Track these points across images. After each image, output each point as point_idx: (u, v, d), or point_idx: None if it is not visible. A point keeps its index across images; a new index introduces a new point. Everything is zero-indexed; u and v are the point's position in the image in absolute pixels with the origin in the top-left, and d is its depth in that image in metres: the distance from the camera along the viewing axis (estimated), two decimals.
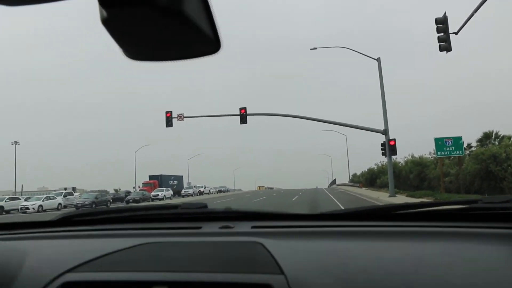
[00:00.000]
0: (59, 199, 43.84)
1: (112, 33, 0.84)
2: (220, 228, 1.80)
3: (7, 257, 1.43)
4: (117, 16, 0.79)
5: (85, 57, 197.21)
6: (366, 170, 76.56)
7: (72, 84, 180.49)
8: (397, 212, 1.85)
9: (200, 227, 1.84)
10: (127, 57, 0.92)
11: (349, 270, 1.28)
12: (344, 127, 33.73)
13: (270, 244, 1.48)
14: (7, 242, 1.60)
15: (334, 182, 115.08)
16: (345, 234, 1.63)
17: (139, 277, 1.32)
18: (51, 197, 44.21)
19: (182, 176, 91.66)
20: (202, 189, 78.44)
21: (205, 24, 0.87)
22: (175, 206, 2.23)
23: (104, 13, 0.79)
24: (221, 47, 0.93)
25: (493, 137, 37.93)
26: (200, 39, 0.88)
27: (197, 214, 2.07)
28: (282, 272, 1.25)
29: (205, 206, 2.15)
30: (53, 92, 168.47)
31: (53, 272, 1.36)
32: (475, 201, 1.76)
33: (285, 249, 1.44)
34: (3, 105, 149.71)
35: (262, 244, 1.48)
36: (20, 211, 39.74)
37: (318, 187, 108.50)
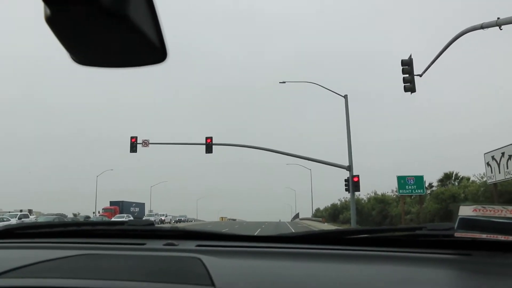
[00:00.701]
0: (13, 221, 42.10)
1: (56, 32, 0.81)
2: (164, 245, 1.77)
3: None
4: (61, 14, 0.78)
5: (37, 71, 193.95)
6: (330, 205, 77.15)
7: (21, 113, 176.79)
8: (348, 236, 1.86)
9: (144, 244, 1.80)
10: (73, 62, 0.90)
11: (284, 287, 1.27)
12: (310, 161, 33.94)
13: (209, 260, 1.46)
14: None
15: (297, 216, 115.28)
16: (290, 255, 1.63)
17: (66, 284, 1.23)
18: (5, 219, 42.11)
19: (144, 203, 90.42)
20: (163, 217, 77.14)
21: (151, 31, 0.85)
22: (121, 223, 2.18)
23: (48, 11, 0.78)
24: (167, 57, 0.91)
25: (453, 178, 38.98)
26: (145, 46, 0.86)
27: (143, 231, 2.02)
28: (212, 284, 1.22)
29: (152, 224, 2.15)
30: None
31: None
32: (420, 228, 1.80)
33: (223, 265, 1.45)
34: None
35: (200, 260, 1.46)
36: None
37: (281, 220, 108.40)
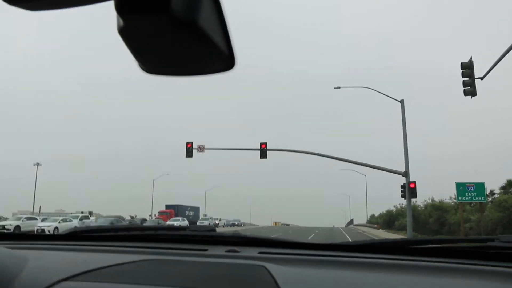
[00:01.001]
0: (75, 222, 43.76)
1: (128, 43, 0.83)
2: (227, 251, 1.77)
3: (8, 262, 1.40)
4: (133, 25, 0.80)
5: (103, 76, 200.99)
6: (385, 211, 75.73)
7: (90, 105, 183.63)
8: (413, 246, 1.81)
9: (206, 250, 1.82)
10: (142, 71, 0.92)
11: None
12: (364, 167, 33.48)
13: (274, 268, 1.45)
14: (12, 250, 1.57)
15: (351, 222, 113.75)
16: (354, 265, 1.60)
17: None
18: (67, 220, 43.93)
19: (198, 207, 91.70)
20: (217, 221, 78.07)
21: (220, 39, 0.86)
22: (183, 228, 2.25)
23: (121, 22, 0.79)
24: (235, 64, 0.92)
25: None
26: (214, 54, 0.88)
27: (204, 237, 2.04)
28: None
29: (214, 229, 2.15)
30: (74, 114, 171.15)
31: (48, 279, 1.34)
32: (492, 239, 1.72)
33: (288, 274, 1.42)
34: (25, 125, 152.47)
35: (265, 268, 1.45)
36: (36, 232, 39.82)
37: (335, 226, 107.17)
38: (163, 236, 2.19)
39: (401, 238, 1.94)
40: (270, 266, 1.47)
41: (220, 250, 1.80)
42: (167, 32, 0.81)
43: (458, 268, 1.52)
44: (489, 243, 1.70)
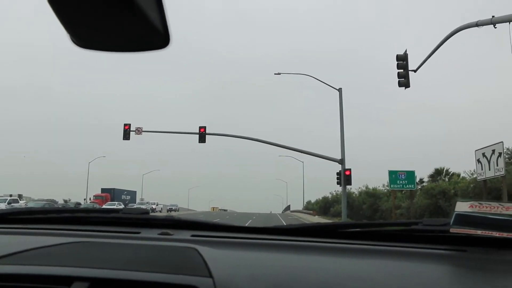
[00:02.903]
0: (2, 206, 41.81)
1: (57, 13, 0.80)
2: (159, 234, 1.76)
3: None
4: None
5: (37, 56, 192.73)
6: (321, 198, 77.56)
7: (21, 97, 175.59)
8: (343, 230, 1.86)
9: (139, 232, 1.80)
10: (74, 44, 0.89)
11: (282, 280, 1.26)
12: (302, 154, 34.04)
13: (205, 250, 1.47)
14: None
15: (288, 208, 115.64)
16: (285, 247, 1.63)
17: (60, 272, 1.24)
18: None
19: (135, 191, 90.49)
20: (154, 206, 77.17)
21: (155, 15, 0.84)
22: (116, 211, 2.19)
23: None
24: (170, 42, 0.91)
25: (443, 174, 39.30)
26: (149, 30, 0.86)
27: (137, 220, 2.01)
28: (210, 276, 1.22)
29: (147, 212, 2.14)
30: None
31: None
32: (416, 223, 1.82)
33: (219, 256, 1.44)
34: None
35: (197, 250, 1.46)
36: None
37: (272, 212, 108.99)
38: (94, 218, 2.14)
39: (332, 222, 1.97)
40: (201, 249, 1.48)
41: (153, 233, 1.79)
42: (99, 5, 0.80)
43: (385, 250, 1.59)
44: (413, 227, 1.79)
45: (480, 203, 1.63)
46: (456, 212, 1.62)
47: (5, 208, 41.03)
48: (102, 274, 1.22)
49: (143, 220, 2.01)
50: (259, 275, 1.29)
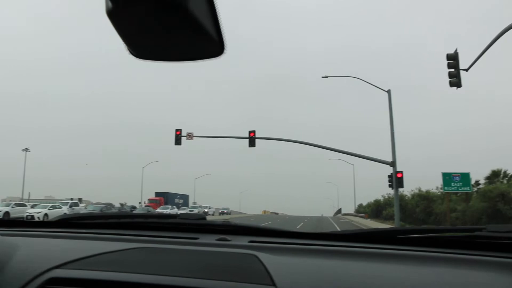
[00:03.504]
0: (65, 209, 43.63)
1: (116, 26, 0.85)
2: (217, 240, 1.77)
3: None
4: (123, 7, 0.81)
5: (94, 70, 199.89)
6: (373, 201, 76.12)
7: (79, 104, 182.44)
8: (401, 236, 1.82)
9: (197, 238, 1.81)
10: (131, 55, 0.93)
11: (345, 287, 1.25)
12: (352, 156, 33.67)
13: (265, 257, 1.45)
14: (1, 236, 1.59)
15: (339, 211, 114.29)
16: (344, 254, 1.61)
17: (126, 278, 1.28)
18: (57, 206, 43.71)
19: (188, 195, 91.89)
20: (206, 210, 78.17)
21: (209, 23, 0.87)
22: (174, 216, 2.24)
23: (110, 5, 0.80)
24: (224, 50, 0.94)
25: (501, 175, 37.70)
26: (204, 39, 0.89)
27: (195, 225, 2.04)
28: (273, 284, 1.22)
29: (204, 218, 2.17)
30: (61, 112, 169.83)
31: (40, 267, 1.36)
32: (480, 229, 1.74)
33: (280, 263, 1.42)
34: (15, 115, 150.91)
35: (257, 257, 1.46)
36: (25, 219, 39.56)
37: (324, 215, 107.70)
38: (153, 224, 2.20)
39: (390, 228, 1.91)
40: (261, 255, 1.47)
41: (211, 238, 1.80)
42: (156, 16, 0.83)
43: (447, 257, 1.53)
44: (476, 233, 1.71)
45: None
46: None
47: (67, 210, 43.08)
48: (164, 281, 1.26)
49: (200, 225, 2.03)
50: (322, 283, 1.28)
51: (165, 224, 2.15)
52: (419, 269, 1.43)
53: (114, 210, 47.65)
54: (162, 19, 0.83)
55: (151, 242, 1.76)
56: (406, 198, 49.96)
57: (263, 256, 1.47)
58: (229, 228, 1.97)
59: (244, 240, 1.77)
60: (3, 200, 60.04)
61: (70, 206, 45.97)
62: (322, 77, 32.35)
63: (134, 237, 1.87)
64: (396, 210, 30.15)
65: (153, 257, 1.53)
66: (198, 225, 2.04)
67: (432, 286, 1.29)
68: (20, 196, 70.84)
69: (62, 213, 42.40)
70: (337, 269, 1.42)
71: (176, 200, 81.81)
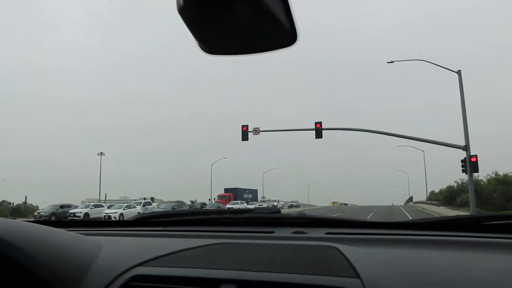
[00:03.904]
0: (138, 208, 45.13)
1: (188, 22, 0.85)
2: (293, 233, 1.76)
3: (84, 248, 1.47)
4: (193, 3, 0.81)
5: (163, 73, 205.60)
6: (445, 187, 73.74)
7: (148, 104, 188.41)
8: (487, 222, 1.74)
9: (273, 232, 1.81)
10: (203, 51, 0.93)
11: (430, 279, 1.19)
12: (422, 142, 32.80)
13: (345, 249, 1.42)
14: (86, 236, 1.64)
15: (410, 199, 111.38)
16: (426, 243, 1.55)
17: (208, 274, 1.29)
18: (132, 206, 45.59)
19: (256, 189, 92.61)
20: (275, 203, 78.55)
21: (281, 12, 0.86)
22: (248, 211, 2.25)
23: (181, 2, 0.81)
24: (297, 39, 0.92)
25: None
26: (276, 29, 0.88)
27: (270, 219, 2.04)
28: (358, 276, 1.19)
29: (279, 211, 2.16)
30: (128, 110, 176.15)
31: (125, 265, 1.39)
32: None
33: (361, 255, 1.38)
34: (90, 120, 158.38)
35: (337, 249, 1.43)
36: (103, 219, 41.43)
37: (394, 204, 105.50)
38: (228, 219, 2.21)
39: (471, 214, 1.84)
40: (341, 247, 1.44)
41: (287, 232, 1.79)
42: (227, 9, 0.83)
43: None
44: None
45: None
46: None
47: (141, 210, 44.80)
48: (248, 276, 1.25)
49: (275, 219, 2.02)
50: (408, 274, 1.23)
51: (240, 219, 2.17)
52: (508, 256, 1.37)
53: (185, 208, 48.99)
54: (232, 11, 0.83)
55: (228, 237, 1.76)
56: (482, 183, 47.97)
57: (344, 248, 1.42)
58: (305, 221, 1.96)
59: (321, 232, 1.74)
60: (83, 202, 63.69)
61: (144, 206, 47.80)
62: (388, 62, 31.75)
63: (211, 233, 1.88)
64: (471, 196, 29.07)
65: (231, 252, 1.53)
66: (273, 218, 2.04)
67: None
68: (97, 197, 74.61)
69: (136, 213, 44.00)
70: (422, 259, 1.37)
71: (245, 195, 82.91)
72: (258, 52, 0.94)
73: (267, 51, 0.94)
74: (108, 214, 41.34)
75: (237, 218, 2.20)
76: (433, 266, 1.29)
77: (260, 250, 1.53)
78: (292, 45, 0.93)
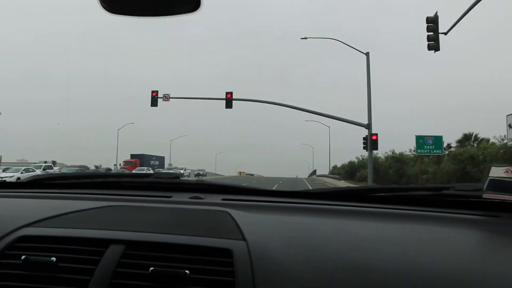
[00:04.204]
0: (38, 172, 43.06)
1: None
2: (190, 198, 1.79)
3: None
4: None
5: (70, 27, 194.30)
6: (347, 162, 77.28)
7: (56, 55, 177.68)
8: (373, 194, 1.87)
9: (170, 197, 1.83)
10: (104, 10, 0.88)
11: (315, 243, 1.28)
12: (328, 119, 33.85)
13: (237, 214, 1.47)
14: None
15: (314, 172, 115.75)
16: (316, 211, 1.64)
17: (97, 235, 1.28)
18: (30, 170, 43.05)
19: (164, 157, 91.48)
20: (182, 171, 78.16)
21: None
22: (147, 175, 2.26)
23: None
24: (200, 5, 0.89)
25: (472, 139, 38.68)
26: None
27: (169, 184, 2.05)
28: (243, 239, 1.24)
29: (178, 177, 2.16)
30: (37, 62, 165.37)
31: (11, 225, 1.35)
32: (448, 188, 1.79)
33: (251, 220, 1.44)
34: None
35: (229, 214, 1.48)
36: None
37: (298, 176, 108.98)
38: (126, 183, 2.19)
39: (363, 186, 1.91)
40: (233, 212, 1.50)
41: (184, 197, 1.82)
42: None
43: (417, 215, 1.59)
44: (444, 191, 1.77)
45: None
46: (490, 177, 1.52)
47: (41, 173, 42.39)
48: (137, 237, 1.26)
49: (174, 184, 2.04)
50: (292, 238, 1.30)
51: (139, 183, 2.14)
52: (390, 225, 1.48)
53: (89, 172, 46.75)
54: None
55: (124, 200, 1.76)
56: (380, 160, 50.83)
57: (235, 213, 1.49)
58: (202, 187, 1.99)
59: (217, 198, 1.79)
60: None
61: (44, 169, 45.17)
62: (301, 38, 32.17)
63: (108, 196, 1.86)
64: (369, 171, 30.65)
65: (125, 214, 1.53)
66: (172, 183, 2.05)
67: (402, 241, 1.32)
68: None
69: None
70: (308, 226, 1.45)
71: (152, 162, 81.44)
72: (160, 15, 0.89)
73: (169, 15, 0.89)
74: (3, 178, 38.64)
75: (136, 182, 2.18)
76: (319, 232, 1.38)
77: (155, 212, 1.56)
78: (196, 11, 0.88)
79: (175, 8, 0.91)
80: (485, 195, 1.62)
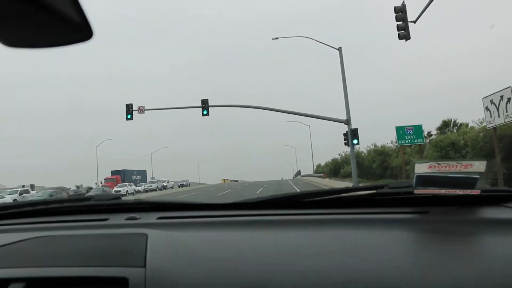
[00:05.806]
0: (14, 197, 41.94)
1: None
2: (126, 219, 1.74)
3: None
4: None
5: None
6: (330, 160, 77.55)
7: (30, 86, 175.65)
8: (307, 199, 1.83)
9: (107, 219, 1.79)
10: (3, 45, 0.87)
11: (226, 263, 1.22)
12: (308, 118, 33.77)
13: (155, 235, 1.45)
14: None
15: (298, 173, 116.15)
16: (244, 224, 1.60)
17: (8, 274, 1.22)
18: (1, 197, 41.46)
19: (145, 170, 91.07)
20: (165, 183, 77.50)
21: (70, 9, 0.83)
22: (88, 198, 2.18)
23: None
24: (93, 35, 0.89)
25: (451, 125, 38.91)
26: (66, 25, 0.85)
27: (108, 206, 2.01)
28: (144, 265, 1.20)
29: (119, 197, 2.15)
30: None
31: None
32: (382, 186, 1.77)
33: (167, 240, 1.41)
34: None
35: (146, 236, 1.44)
36: None
37: (283, 178, 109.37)
38: (67, 208, 2.13)
39: (300, 192, 1.91)
40: (153, 233, 1.47)
41: (121, 218, 1.79)
42: (10, 5, 0.79)
43: (348, 218, 1.56)
44: (378, 191, 1.74)
45: (438, 163, 1.56)
46: (416, 174, 1.56)
47: (18, 199, 41.23)
48: (37, 273, 1.22)
49: (113, 205, 2.02)
50: (199, 259, 1.24)
51: (78, 207, 2.11)
52: (320, 232, 1.44)
53: (64, 194, 46.07)
54: (11, 7, 0.79)
55: (61, 228, 1.72)
56: (363, 154, 50.89)
57: (153, 234, 1.46)
58: (140, 206, 1.98)
59: (152, 217, 1.75)
60: None
61: (20, 194, 44.19)
62: (273, 39, 31.96)
63: (46, 224, 1.81)
64: (353, 167, 30.60)
65: (48, 246, 1.46)
66: (110, 205, 2.03)
67: (330, 249, 1.28)
68: None
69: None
70: (226, 241, 1.42)
71: (134, 177, 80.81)
72: (53, 46, 0.92)
73: (60, 46, 0.92)
74: None
75: (75, 206, 2.13)
76: (232, 249, 1.33)
77: (76, 242, 1.50)
78: (89, 40, 0.92)
79: (64, 39, 0.91)
80: (416, 191, 1.58)
